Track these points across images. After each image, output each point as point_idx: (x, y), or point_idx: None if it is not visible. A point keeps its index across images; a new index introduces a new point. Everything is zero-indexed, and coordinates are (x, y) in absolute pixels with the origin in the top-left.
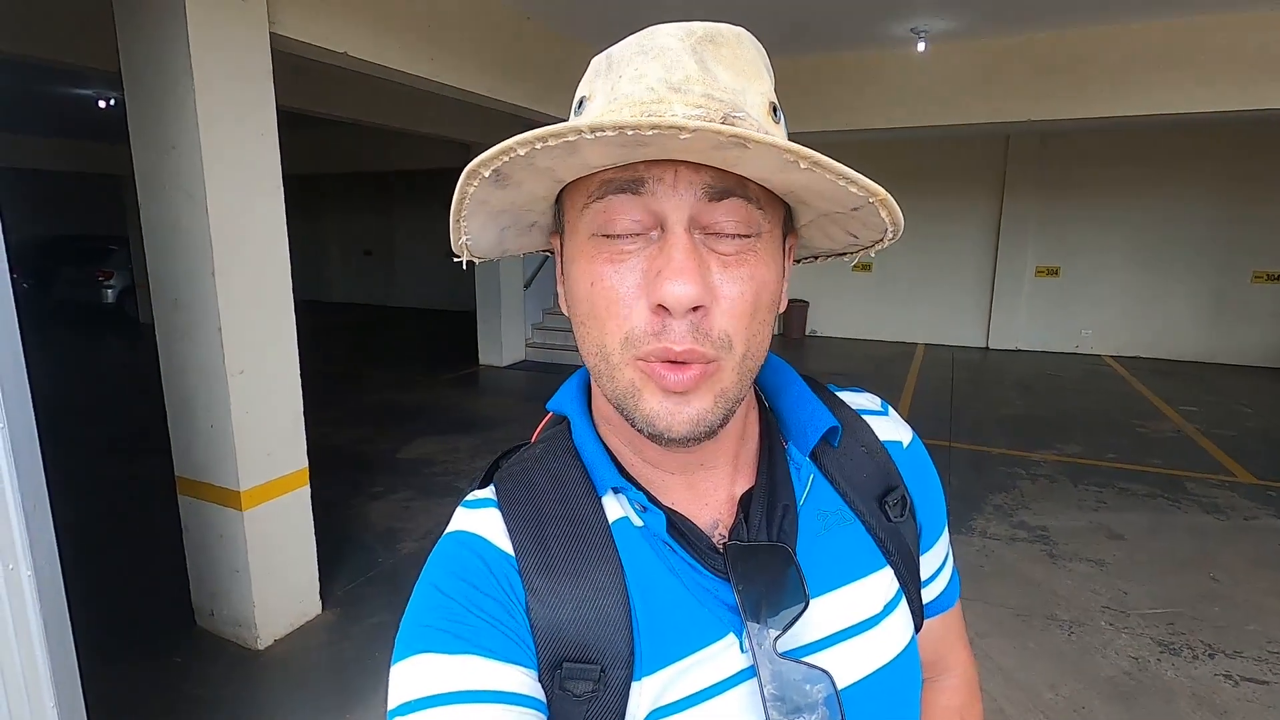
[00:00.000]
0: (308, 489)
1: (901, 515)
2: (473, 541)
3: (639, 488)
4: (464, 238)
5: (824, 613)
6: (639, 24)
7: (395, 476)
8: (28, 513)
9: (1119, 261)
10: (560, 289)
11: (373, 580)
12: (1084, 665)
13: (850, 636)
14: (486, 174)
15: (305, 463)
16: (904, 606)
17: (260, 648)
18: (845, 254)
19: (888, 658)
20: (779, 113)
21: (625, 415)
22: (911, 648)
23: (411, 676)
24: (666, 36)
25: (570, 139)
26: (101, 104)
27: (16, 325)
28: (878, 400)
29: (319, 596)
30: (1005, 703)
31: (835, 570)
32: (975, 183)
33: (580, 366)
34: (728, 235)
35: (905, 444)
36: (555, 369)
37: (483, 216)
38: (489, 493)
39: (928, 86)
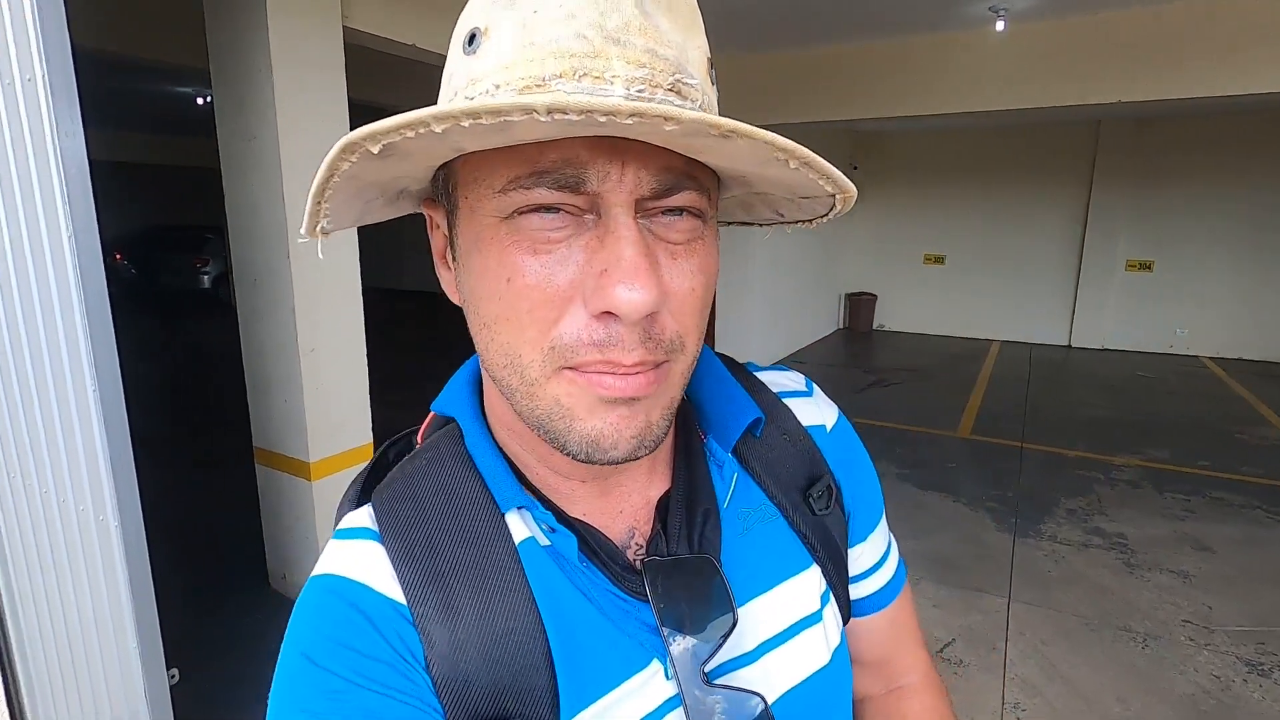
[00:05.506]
0: None
1: (827, 508)
2: (349, 590)
3: (546, 505)
4: (323, 220)
5: (751, 620)
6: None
7: None
8: (115, 470)
9: (1220, 255)
10: (446, 274)
11: None
12: (1158, 680)
13: (780, 644)
14: (375, 149)
15: (371, 438)
16: (833, 606)
17: None
18: (753, 224)
19: (820, 663)
20: (713, 70)
21: (551, 440)
22: (842, 649)
23: None
24: None
25: (515, 119)
26: (199, 101)
27: (108, 300)
28: (801, 379)
29: None
30: (1067, 712)
31: (760, 574)
32: (1060, 171)
33: (472, 355)
34: (676, 223)
35: (829, 427)
36: None
37: (347, 192)
38: (366, 518)
39: (1007, 68)
